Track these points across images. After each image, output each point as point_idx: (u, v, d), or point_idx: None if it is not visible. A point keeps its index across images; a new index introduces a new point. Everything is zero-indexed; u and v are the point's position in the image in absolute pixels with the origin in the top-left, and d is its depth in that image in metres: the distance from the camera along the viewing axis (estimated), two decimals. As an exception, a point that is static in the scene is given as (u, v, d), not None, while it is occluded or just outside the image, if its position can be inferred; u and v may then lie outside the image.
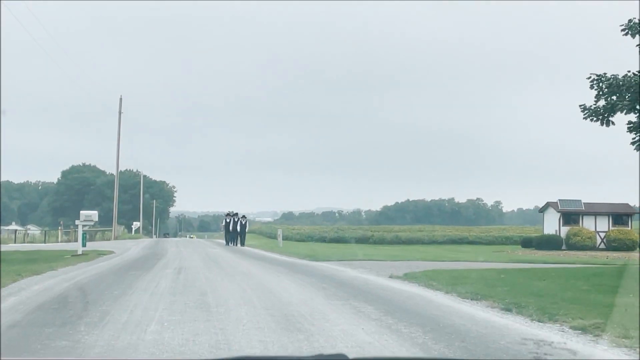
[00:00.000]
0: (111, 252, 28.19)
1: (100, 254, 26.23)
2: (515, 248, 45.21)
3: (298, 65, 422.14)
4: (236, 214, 38.14)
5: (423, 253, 31.76)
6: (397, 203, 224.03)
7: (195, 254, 27.35)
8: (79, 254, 25.12)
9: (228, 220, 37.88)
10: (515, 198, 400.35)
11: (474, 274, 16.41)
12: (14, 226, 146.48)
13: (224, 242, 53.38)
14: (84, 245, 25.90)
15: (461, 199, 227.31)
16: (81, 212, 26.02)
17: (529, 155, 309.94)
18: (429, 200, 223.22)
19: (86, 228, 29.85)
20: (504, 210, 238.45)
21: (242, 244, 37.49)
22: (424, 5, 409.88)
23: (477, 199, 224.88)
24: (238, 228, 37.25)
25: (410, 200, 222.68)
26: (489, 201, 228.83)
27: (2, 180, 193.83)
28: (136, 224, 64.98)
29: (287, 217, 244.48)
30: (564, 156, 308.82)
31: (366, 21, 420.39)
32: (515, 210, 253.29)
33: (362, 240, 50.41)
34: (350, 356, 1.81)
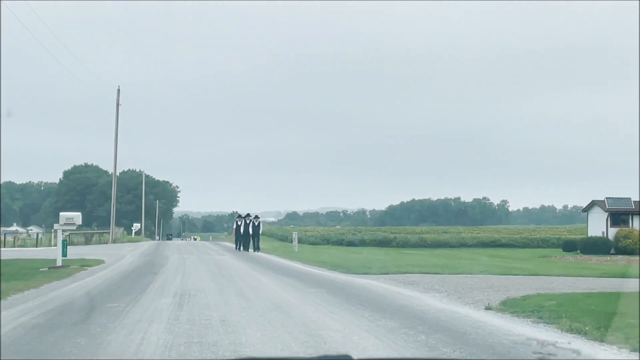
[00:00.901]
0: (99, 262, 22.90)
1: (84, 264, 20.92)
2: (556, 252, 39.83)
3: (302, 65, 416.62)
4: (248, 214, 32.92)
5: (472, 262, 26.38)
6: (402, 202, 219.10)
7: (201, 265, 22.05)
8: (58, 266, 19.86)
9: (239, 223, 32.69)
10: (521, 197, 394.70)
11: (610, 302, 11.05)
12: (15, 227, 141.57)
13: (230, 244, 48.12)
14: (64, 254, 20.60)
15: (467, 198, 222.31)
16: (61, 214, 20.77)
17: (535, 154, 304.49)
18: (435, 199, 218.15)
19: (66, 233, 24.62)
20: (510, 209, 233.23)
21: (256, 248, 32.35)
22: (429, 4, 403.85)
23: (484, 198, 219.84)
24: (250, 230, 31.96)
25: (416, 199, 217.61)
26: (495, 200, 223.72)
27: (4, 181, 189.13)
28: (136, 226, 59.64)
29: (292, 217, 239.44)
30: (569, 155, 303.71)
31: (372, 20, 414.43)
32: (521, 209, 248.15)
33: (383, 243, 45.14)
34: (355, 356, 1.69)
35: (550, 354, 6.91)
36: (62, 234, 20.63)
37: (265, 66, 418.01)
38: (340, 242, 46.37)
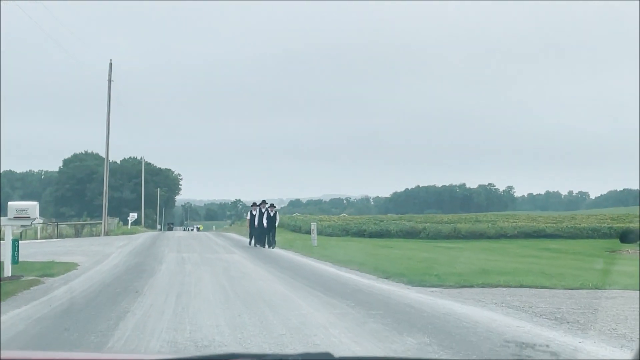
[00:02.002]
0: (70, 268, 16.90)
1: (46, 274, 14.90)
2: (613, 244, 33.72)
3: (306, 51, 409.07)
4: (263, 202, 26.82)
5: (553, 262, 20.18)
6: (407, 189, 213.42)
7: (205, 272, 15.96)
8: (6, 277, 13.87)
9: (254, 213, 26.66)
10: (526, 183, 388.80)
11: None
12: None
13: (236, 236, 42.01)
14: (14, 260, 14.50)
15: (472, 184, 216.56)
16: (10, 204, 14.71)
17: (540, 139, 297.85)
18: (440, 186, 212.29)
19: (19, 230, 18.75)
20: (515, 195, 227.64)
21: (272, 243, 26.43)
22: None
23: (489, 184, 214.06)
24: (265, 222, 25.87)
25: (421, 186, 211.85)
26: (501, 186, 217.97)
27: (4, 170, 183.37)
28: (133, 216, 53.28)
29: (295, 204, 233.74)
30: (575, 141, 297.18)
31: (377, 5, 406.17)
32: (526, 195, 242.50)
33: (411, 234, 39.11)
34: (336, 355, 1.59)
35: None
36: (13, 230, 14.51)
37: (268, 53, 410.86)
38: (361, 233, 40.29)
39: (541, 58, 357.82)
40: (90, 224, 44.74)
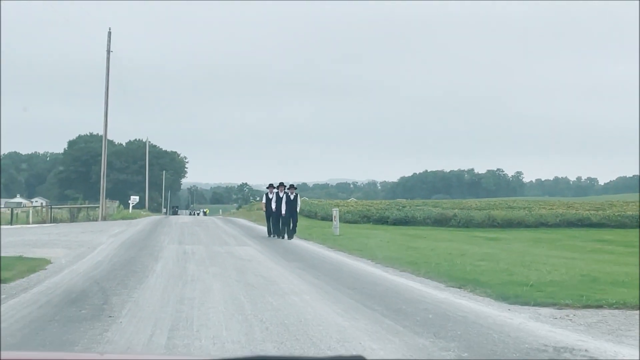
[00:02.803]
0: (38, 268, 12.74)
1: (5, 277, 10.73)
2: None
3: (312, 34, 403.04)
4: (281, 184, 22.76)
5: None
6: (414, 174, 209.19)
7: (215, 277, 11.72)
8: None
9: (270, 197, 22.55)
10: (534, 168, 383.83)
11: None
12: (18, 199, 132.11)
13: (246, 222, 37.79)
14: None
15: (481, 169, 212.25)
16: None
17: (550, 124, 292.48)
18: (448, 170, 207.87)
19: None
20: (524, 180, 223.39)
21: (291, 234, 22.02)
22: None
23: (497, 169, 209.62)
24: (284, 208, 21.45)
25: (429, 170, 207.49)
26: (510, 171, 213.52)
27: (9, 151, 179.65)
28: (134, 198, 48.91)
29: (301, 188, 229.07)
30: (583, 126, 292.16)
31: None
32: (534, 180, 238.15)
33: (440, 222, 34.86)
34: (368, 357, 1.54)
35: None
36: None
37: (275, 35, 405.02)
38: (383, 220, 36.01)
39: (552, 43, 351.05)
40: (88, 207, 40.64)
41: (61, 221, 38.69)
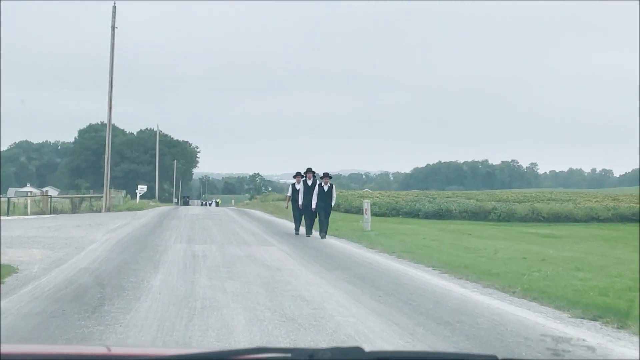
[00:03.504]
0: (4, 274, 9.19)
1: None
2: None
3: (324, 24, 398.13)
4: (309, 170, 18.65)
5: None
6: (428, 165, 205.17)
7: (236, 298, 8.03)
8: None
9: (298, 187, 18.66)
10: (548, 160, 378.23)
11: None
12: (28, 188, 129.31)
13: (263, 214, 34.17)
14: None
15: (495, 160, 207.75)
16: None
17: (564, 115, 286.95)
18: (462, 162, 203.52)
19: None
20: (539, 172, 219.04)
21: (324, 231, 17.95)
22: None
23: (512, 160, 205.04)
24: (314, 201, 17.78)
25: (443, 162, 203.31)
26: (524, 163, 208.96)
27: (20, 140, 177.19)
28: (142, 188, 45.06)
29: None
30: (599, 117, 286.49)
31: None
32: (548, 172, 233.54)
33: (478, 215, 31.07)
34: (367, 349, 1.61)
35: None
36: None
37: (287, 26, 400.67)
38: (414, 213, 32.22)
39: (568, 33, 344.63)
40: (91, 197, 37.12)
41: (62, 212, 35.25)
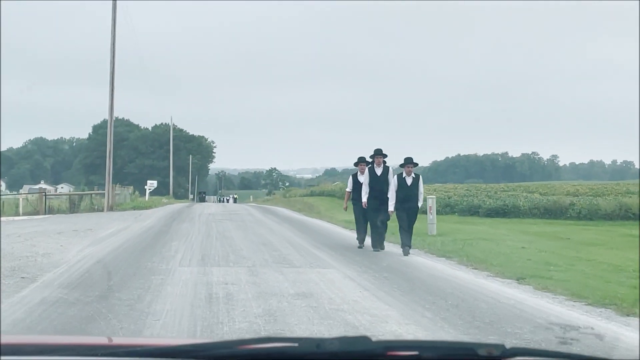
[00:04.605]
0: None
1: None
2: None
3: (341, 16, 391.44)
4: (378, 153, 12.47)
5: None
6: (447, 158, 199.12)
7: None
8: None
9: (362, 181, 12.60)
10: (568, 152, 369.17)
11: None
12: (42, 185, 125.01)
13: (293, 214, 28.66)
14: None
15: (515, 153, 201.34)
16: None
17: (585, 107, 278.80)
18: (482, 154, 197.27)
19: None
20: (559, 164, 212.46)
21: (407, 244, 11.89)
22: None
23: (533, 153, 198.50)
24: (392, 201, 11.85)
25: (462, 154, 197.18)
26: (545, 155, 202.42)
27: (34, 137, 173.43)
28: (151, 184, 39.31)
29: (330, 173, 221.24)
30: (619, 108, 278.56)
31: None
32: (568, 164, 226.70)
33: (552, 213, 25.29)
34: (374, 339, 1.62)
35: None
36: None
37: (304, 18, 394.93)
38: (473, 211, 26.49)
39: (589, 23, 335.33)
40: (93, 194, 31.83)
41: (59, 212, 29.98)
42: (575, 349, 5.15)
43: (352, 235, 14.68)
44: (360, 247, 12.74)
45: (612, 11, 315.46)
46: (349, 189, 13.50)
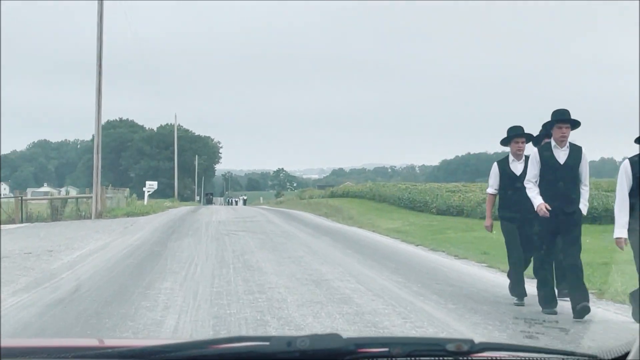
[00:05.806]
0: None
1: None
2: None
3: (349, 16, 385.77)
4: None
5: None
6: (457, 157, 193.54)
7: None
8: None
9: (517, 172, 6.99)
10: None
11: None
12: (45, 188, 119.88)
13: (320, 220, 23.22)
14: None
15: (525, 151, 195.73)
16: None
17: (594, 103, 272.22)
18: (492, 153, 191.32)
19: None
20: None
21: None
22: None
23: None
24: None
25: (471, 153, 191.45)
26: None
27: (38, 139, 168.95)
28: (151, 185, 33.51)
29: (338, 173, 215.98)
30: (630, 105, 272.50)
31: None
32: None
33: (595, 216, 19.75)
34: (345, 336, 1.64)
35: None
36: None
37: (310, 16, 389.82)
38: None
39: (599, 18, 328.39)
40: (79, 198, 26.41)
41: (38, 220, 24.53)
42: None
43: (436, 258, 9.19)
44: (518, 303, 6.80)
45: (618, 9, 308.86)
46: (492, 190, 7.67)
